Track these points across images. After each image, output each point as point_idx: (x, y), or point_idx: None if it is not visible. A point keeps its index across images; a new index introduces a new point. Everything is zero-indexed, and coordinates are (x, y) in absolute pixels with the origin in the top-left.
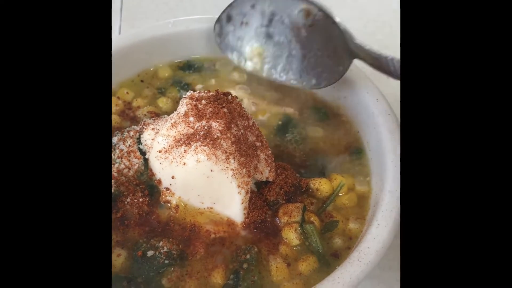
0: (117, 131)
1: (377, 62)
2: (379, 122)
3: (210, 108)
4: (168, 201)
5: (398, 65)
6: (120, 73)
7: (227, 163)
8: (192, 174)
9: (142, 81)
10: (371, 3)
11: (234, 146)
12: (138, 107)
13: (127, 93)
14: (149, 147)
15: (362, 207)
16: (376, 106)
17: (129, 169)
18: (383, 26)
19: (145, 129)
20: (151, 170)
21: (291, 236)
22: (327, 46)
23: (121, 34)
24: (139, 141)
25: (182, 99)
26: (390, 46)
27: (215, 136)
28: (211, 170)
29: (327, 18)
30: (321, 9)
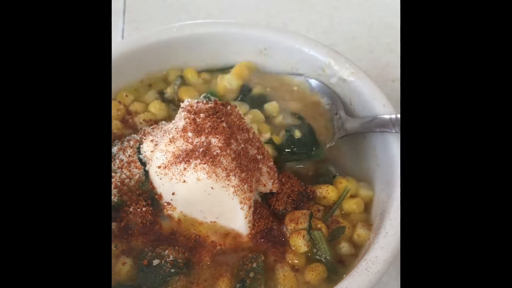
0: (117, 140)
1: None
2: None
3: (208, 123)
4: (170, 215)
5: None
6: (123, 79)
7: (228, 180)
8: (192, 191)
9: (150, 85)
10: (376, 5)
11: (235, 163)
12: (136, 112)
13: (126, 96)
14: (149, 159)
15: (368, 213)
16: (383, 111)
17: (130, 179)
18: (388, 29)
19: (145, 139)
20: (151, 183)
21: (299, 243)
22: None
23: (124, 39)
24: (139, 151)
25: (179, 110)
26: (396, 49)
27: (215, 153)
28: (212, 188)
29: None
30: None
